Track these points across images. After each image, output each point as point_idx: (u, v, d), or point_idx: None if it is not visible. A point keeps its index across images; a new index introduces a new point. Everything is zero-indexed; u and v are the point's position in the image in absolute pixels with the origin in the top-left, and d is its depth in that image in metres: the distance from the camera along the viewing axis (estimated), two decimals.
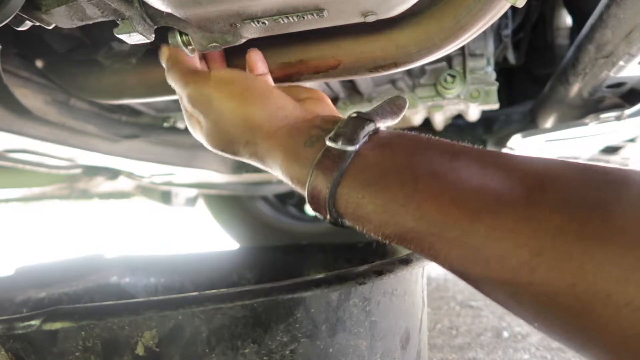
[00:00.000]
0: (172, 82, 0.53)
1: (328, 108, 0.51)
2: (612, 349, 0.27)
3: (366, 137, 0.40)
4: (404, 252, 0.69)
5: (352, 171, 0.38)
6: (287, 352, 0.40)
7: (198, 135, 0.53)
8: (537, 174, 0.33)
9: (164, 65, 0.55)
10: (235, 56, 0.56)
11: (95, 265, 0.86)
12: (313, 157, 0.40)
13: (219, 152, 0.51)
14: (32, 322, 0.36)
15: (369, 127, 0.40)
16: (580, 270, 0.27)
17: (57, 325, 0.36)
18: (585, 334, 0.28)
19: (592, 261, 0.27)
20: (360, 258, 0.81)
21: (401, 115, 0.46)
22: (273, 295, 0.39)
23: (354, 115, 0.42)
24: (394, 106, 0.46)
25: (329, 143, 0.40)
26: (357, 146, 0.39)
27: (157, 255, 0.93)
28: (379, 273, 0.45)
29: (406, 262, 0.48)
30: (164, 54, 0.55)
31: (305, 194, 0.41)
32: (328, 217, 0.40)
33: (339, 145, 0.39)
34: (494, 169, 0.34)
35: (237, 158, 0.50)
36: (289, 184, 0.44)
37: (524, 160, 0.35)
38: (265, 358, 0.39)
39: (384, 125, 0.43)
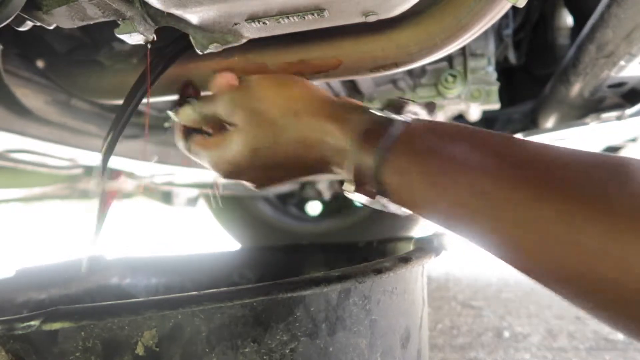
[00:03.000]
0: (200, 109, 0.51)
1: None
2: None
3: (409, 114, 0.41)
4: (404, 251, 0.69)
5: (401, 139, 0.38)
6: (287, 350, 0.40)
7: (233, 152, 0.48)
8: (591, 163, 0.32)
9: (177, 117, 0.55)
10: (235, 57, 0.56)
11: (96, 266, 0.86)
12: (360, 127, 0.41)
13: (259, 158, 0.47)
14: (32, 323, 0.36)
15: (412, 107, 0.42)
16: None
17: (57, 326, 0.36)
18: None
19: None
20: (361, 258, 0.81)
21: (433, 116, 0.47)
22: (273, 294, 0.39)
23: (394, 97, 0.43)
24: (425, 106, 0.47)
25: (377, 112, 0.40)
26: (404, 117, 0.40)
27: (157, 255, 0.93)
28: (379, 271, 0.44)
29: (406, 260, 0.48)
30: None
31: (351, 166, 0.41)
32: (368, 188, 0.40)
33: (386, 114, 0.40)
34: (565, 155, 0.33)
35: (276, 155, 0.47)
36: (331, 160, 0.44)
37: (575, 151, 0.33)
38: (265, 357, 0.39)
39: (420, 113, 0.44)
